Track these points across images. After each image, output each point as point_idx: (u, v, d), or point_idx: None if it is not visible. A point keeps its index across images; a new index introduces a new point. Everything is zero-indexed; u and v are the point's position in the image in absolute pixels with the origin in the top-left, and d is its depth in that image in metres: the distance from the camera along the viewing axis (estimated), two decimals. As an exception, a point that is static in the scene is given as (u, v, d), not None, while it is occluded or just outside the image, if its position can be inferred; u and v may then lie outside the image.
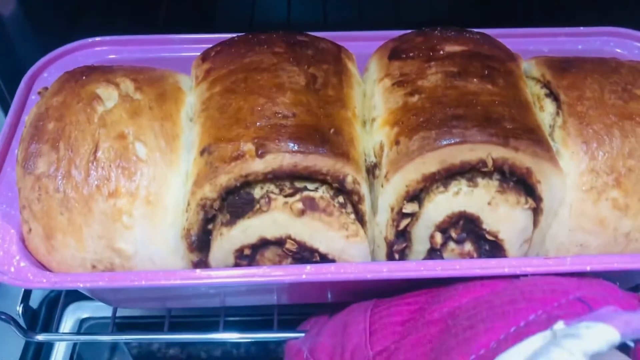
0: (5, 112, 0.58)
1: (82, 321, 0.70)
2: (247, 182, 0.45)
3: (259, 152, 0.44)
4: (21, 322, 0.53)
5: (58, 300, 0.67)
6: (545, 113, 0.51)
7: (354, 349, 0.46)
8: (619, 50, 0.61)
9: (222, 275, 0.45)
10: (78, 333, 0.68)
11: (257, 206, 0.45)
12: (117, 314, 0.57)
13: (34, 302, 0.66)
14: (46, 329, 0.65)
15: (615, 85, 0.50)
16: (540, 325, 0.37)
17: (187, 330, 0.55)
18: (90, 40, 0.61)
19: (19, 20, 0.58)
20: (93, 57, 0.60)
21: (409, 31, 0.55)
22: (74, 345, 0.68)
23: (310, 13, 0.74)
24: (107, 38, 0.61)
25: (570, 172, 0.48)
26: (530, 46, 0.62)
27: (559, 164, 0.47)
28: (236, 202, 0.45)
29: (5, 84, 0.61)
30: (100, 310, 0.70)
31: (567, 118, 0.49)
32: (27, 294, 0.58)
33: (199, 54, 0.56)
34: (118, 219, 0.46)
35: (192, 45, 0.60)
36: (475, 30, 0.55)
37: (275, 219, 0.45)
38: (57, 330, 0.65)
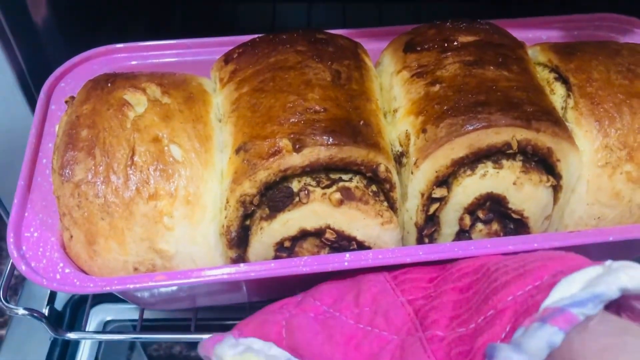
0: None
1: (106, 323, 0.70)
2: (285, 177, 0.47)
3: (296, 147, 0.46)
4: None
5: (81, 303, 0.68)
6: (557, 96, 0.54)
7: (376, 293, 0.46)
8: (611, 34, 0.64)
9: (267, 267, 0.46)
10: (107, 332, 0.68)
11: (297, 199, 0.47)
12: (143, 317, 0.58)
13: (58, 304, 0.66)
14: (71, 329, 0.66)
15: (619, 66, 0.54)
16: (590, 263, 0.39)
17: (213, 331, 0.56)
18: (104, 48, 0.61)
19: (49, 25, 0.58)
20: (108, 64, 0.61)
21: (420, 25, 0.58)
22: (99, 346, 0.68)
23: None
24: (121, 45, 0.62)
25: (586, 149, 0.50)
26: (529, 34, 0.65)
27: (576, 143, 0.50)
28: (276, 196, 0.47)
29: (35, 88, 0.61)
30: (123, 312, 0.71)
31: (578, 99, 0.52)
32: (53, 296, 0.59)
33: (215, 57, 0.57)
34: (159, 221, 0.47)
35: (207, 49, 0.61)
36: (484, 21, 0.57)
37: (314, 210, 0.47)
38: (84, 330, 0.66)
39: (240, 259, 0.50)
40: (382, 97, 0.55)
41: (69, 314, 0.68)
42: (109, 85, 0.52)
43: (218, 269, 0.46)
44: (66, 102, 0.53)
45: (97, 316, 0.71)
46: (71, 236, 0.48)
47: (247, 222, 0.49)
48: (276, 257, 0.49)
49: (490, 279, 0.42)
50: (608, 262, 0.38)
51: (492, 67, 0.51)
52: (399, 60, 0.56)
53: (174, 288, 0.51)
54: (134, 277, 0.46)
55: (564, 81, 0.54)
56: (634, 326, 0.35)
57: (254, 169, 0.47)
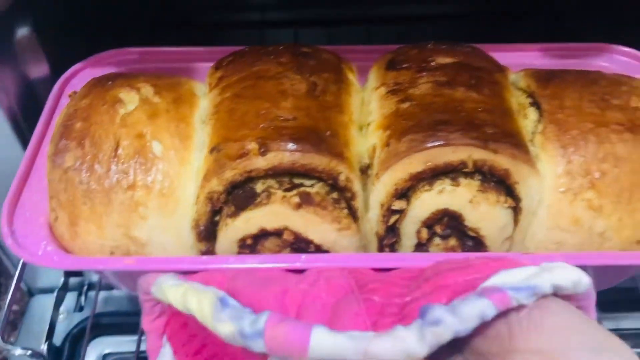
0: (20, 136, 0.63)
1: (105, 356, 0.73)
2: (251, 178, 0.50)
3: (262, 150, 0.49)
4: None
5: (80, 337, 0.70)
6: (529, 120, 0.55)
7: (324, 269, 0.48)
8: (605, 64, 0.65)
9: (225, 261, 0.50)
10: None
11: (259, 199, 0.50)
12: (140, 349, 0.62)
13: (57, 339, 0.70)
14: (70, 364, 0.69)
15: (594, 95, 0.54)
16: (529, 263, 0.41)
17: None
18: (114, 50, 0.67)
19: (31, 43, 0.63)
20: (118, 65, 0.66)
21: (405, 45, 0.60)
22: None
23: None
24: (132, 49, 0.67)
25: (548, 174, 0.51)
26: (525, 60, 0.66)
27: (537, 166, 0.51)
28: (240, 195, 0.50)
29: (17, 102, 0.64)
30: (122, 345, 0.73)
31: (547, 124, 0.53)
32: (51, 330, 0.63)
33: (212, 64, 0.61)
34: (135, 210, 0.52)
35: (206, 56, 0.65)
36: (467, 44, 0.59)
37: (274, 211, 0.50)
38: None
39: (209, 252, 0.54)
40: (362, 111, 0.58)
41: (68, 349, 0.71)
42: (109, 83, 0.57)
43: (176, 260, 0.50)
44: (69, 96, 0.58)
45: (96, 349, 0.73)
46: (57, 217, 0.53)
47: (216, 218, 0.52)
48: (239, 253, 0.52)
49: (434, 269, 0.44)
50: (544, 263, 0.40)
51: (462, 88, 0.53)
52: (380, 77, 0.58)
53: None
54: (105, 260, 0.51)
55: (538, 106, 0.55)
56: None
57: (223, 168, 0.50)
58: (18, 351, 0.55)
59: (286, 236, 0.50)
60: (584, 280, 0.39)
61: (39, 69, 0.64)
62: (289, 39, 0.96)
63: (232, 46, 0.61)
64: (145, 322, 0.51)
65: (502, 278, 0.39)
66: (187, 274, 0.48)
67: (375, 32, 0.97)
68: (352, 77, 0.59)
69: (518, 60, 0.65)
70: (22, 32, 0.62)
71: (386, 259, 0.50)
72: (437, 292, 0.40)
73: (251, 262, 0.50)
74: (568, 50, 0.66)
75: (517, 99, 0.57)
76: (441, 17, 0.99)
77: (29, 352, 0.55)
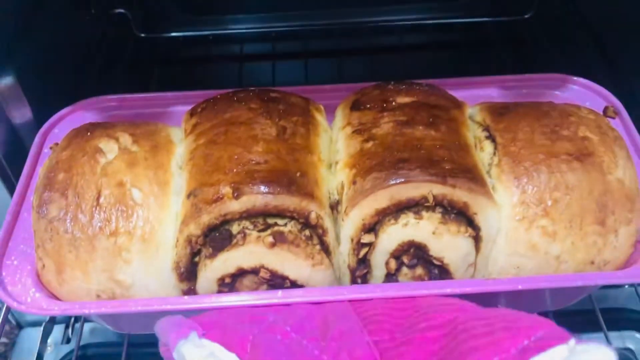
0: (5, 182, 0.65)
1: None
2: (226, 220, 0.53)
3: (235, 195, 0.53)
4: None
5: None
6: (485, 153, 0.59)
7: (344, 331, 0.48)
8: (557, 93, 0.69)
9: (207, 301, 0.53)
10: None
11: (235, 240, 0.53)
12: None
13: None
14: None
15: (545, 127, 0.58)
16: (556, 340, 0.42)
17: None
18: (95, 98, 0.70)
19: (14, 91, 0.66)
20: (97, 113, 0.69)
21: (368, 85, 0.64)
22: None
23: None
24: (109, 97, 0.70)
25: (505, 204, 0.55)
26: (481, 92, 0.70)
27: (494, 197, 0.55)
28: (217, 237, 0.53)
29: (2, 149, 0.65)
30: None
31: (501, 157, 0.57)
32: (40, 357, 0.64)
33: (189, 107, 0.65)
34: (118, 255, 0.54)
35: (183, 100, 0.69)
36: (425, 82, 0.63)
37: (250, 251, 0.53)
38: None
39: (191, 291, 0.56)
40: (330, 150, 0.61)
41: None
42: (88, 134, 0.60)
43: (154, 301, 0.53)
44: (51, 148, 0.61)
45: None
46: (44, 265, 0.55)
47: (196, 259, 0.55)
48: (219, 291, 0.55)
49: (457, 339, 0.45)
50: (572, 342, 0.41)
51: (421, 127, 0.57)
52: (345, 117, 0.62)
53: (137, 314, 0.58)
54: (92, 303, 0.53)
55: (493, 140, 0.59)
56: None
57: (199, 212, 0.53)
58: None
59: (262, 274, 0.54)
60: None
61: (22, 115, 0.67)
62: (267, 72, 0.99)
63: (208, 89, 0.64)
64: (163, 351, 0.51)
65: None
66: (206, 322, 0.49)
67: (347, 63, 1.01)
68: (320, 118, 0.63)
69: (476, 92, 0.69)
70: (6, 81, 0.64)
71: (359, 291, 0.53)
72: None
73: (231, 300, 0.52)
74: (524, 81, 0.71)
75: (474, 132, 0.61)
76: (409, 48, 1.04)
77: None
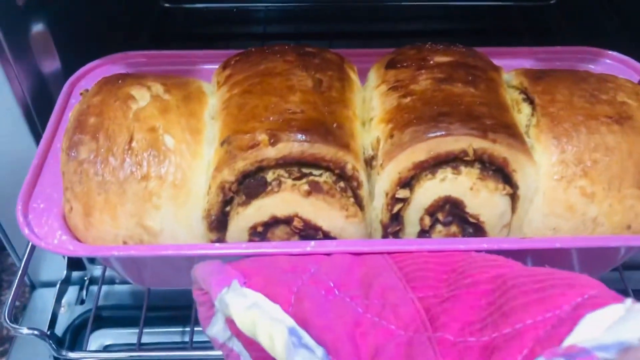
0: (33, 130, 0.65)
1: (106, 347, 0.74)
2: (261, 168, 0.52)
3: (272, 141, 0.52)
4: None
5: (81, 328, 0.71)
6: (522, 115, 0.58)
7: (386, 288, 0.47)
8: (591, 66, 0.69)
9: (236, 247, 0.52)
10: (107, 351, 0.72)
11: (270, 188, 0.52)
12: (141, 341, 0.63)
13: (58, 330, 0.72)
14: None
15: (583, 91, 0.58)
16: (611, 298, 0.41)
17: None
18: (123, 53, 0.69)
19: (45, 40, 0.66)
20: (125, 68, 0.69)
21: (404, 46, 0.63)
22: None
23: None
24: (138, 52, 0.70)
25: (543, 163, 0.54)
26: (514, 62, 0.69)
27: (533, 156, 0.54)
28: (251, 184, 0.52)
29: (30, 97, 0.64)
30: (123, 337, 0.74)
31: (540, 118, 0.56)
32: (53, 321, 0.64)
33: (217, 65, 0.64)
34: (148, 200, 0.53)
35: (213, 59, 0.68)
36: (463, 45, 0.62)
37: (285, 199, 0.52)
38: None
39: (220, 241, 0.55)
40: (363, 108, 0.61)
41: (69, 340, 0.72)
42: (120, 82, 0.59)
43: (184, 247, 0.52)
44: (81, 94, 0.60)
45: (97, 341, 0.74)
46: (71, 208, 0.54)
47: (227, 209, 0.54)
48: (250, 241, 0.54)
49: (507, 295, 0.43)
50: (628, 302, 0.40)
51: (460, 84, 0.56)
52: (380, 75, 0.61)
53: (164, 262, 0.57)
54: (119, 247, 0.52)
55: (531, 102, 0.58)
56: None
57: (234, 159, 0.52)
58: (25, 330, 0.56)
59: (296, 223, 0.52)
60: None
61: (51, 66, 0.67)
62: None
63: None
64: (197, 295, 0.50)
65: (587, 331, 0.39)
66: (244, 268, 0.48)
67: (372, 46, 1.00)
68: (354, 76, 0.62)
69: (509, 64, 0.68)
70: (37, 28, 0.64)
71: (391, 244, 0.52)
72: (517, 340, 0.40)
73: (262, 248, 0.51)
74: (556, 53, 0.70)
75: (510, 96, 0.60)
76: (433, 34, 1.03)
77: (36, 332, 0.56)
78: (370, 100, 0.60)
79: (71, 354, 0.60)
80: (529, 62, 0.70)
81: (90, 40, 0.77)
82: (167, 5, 0.97)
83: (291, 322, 0.43)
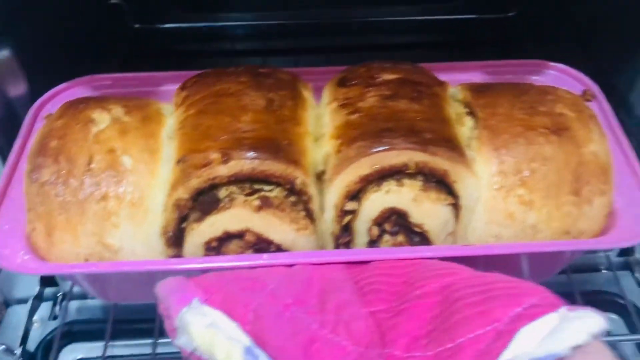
0: (1, 157, 0.66)
1: None
2: (214, 185, 0.55)
3: (224, 159, 0.54)
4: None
5: (53, 344, 0.71)
6: (466, 127, 0.61)
7: (342, 303, 0.49)
8: (536, 78, 0.72)
9: (191, 261, 0.54)
10: None
11: (222, 204, 0.55)
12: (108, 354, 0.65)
13: (31, 345, 0.73)
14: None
15: (523, 104, 0.61)
16: (547, 307, 0.43)
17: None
18: (89, 77, 0.72)
19: (12, 65, 0.68)
20: (91, 91, 0.71)
21: (355, 65, 0.66)
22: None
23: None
24: (103, 75, 0.72)
25: (484, 174, 0.57)
26: (463, 76, 0.72)
27: (472, 167, 0.57)
28: (205, 201, 0.55)
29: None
30: (94, 350, 0.74)
31: (481, 130, 0.59)
32: (25, 337, 0.65)
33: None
34: (107, 219, 0.56)
35: (175, 80, 0.70)
36: (410, 62, 0.65)
37: (236, 215, 0.54)
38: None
39: (178, 257, 0.58)
40: (317, 125, 0.63)
41: (41, 355, 0.73)
42: (82, 105, 0.62)
43: (140, 262, 0.54)
44: (45, 117, 0.63)
45: (69, 355, 0.75)
46: (34, 228, 0.57)
47: (183, 225, 0.57)
48: (206, 255, 0.57)
49: (451, 308, 0.45)
50: (563, 310, 0.42)
51: (404, 101, 0.59)
52: (332, 93, 0.64)
53: (124, 277, 0.59)
54: (79, 264, 0.55)
55: (473, 115, 0.61)
56: None
57: (188, 177, 0.55)
58: None
59: (248, 237, 0.55)
60: (603, 327, 0.41)
61: (18, 90, 0.69)
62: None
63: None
64: (163, 309, 0.50)
65: (521, 344, 0.41)
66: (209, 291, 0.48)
67: (338, 60, 1.03)
68: (308, 95, 0.65)
69: (459, 78, 0.71)
70: (3, 54, 0.66)
71: (340, 255, 0.55)
72: (460, 354, 0.42)
73: (217, 262, 0.54)
74: (504, 66, 0.73)
75: (455, 110, 0.63)
76: (399, 47, 1.07)
77: (3, 346, 0.58)
78: (323, 117, 0.63)
79: None
80: (479, 75, 0.73)
81: (60, 63, 0.80)
82: (137, 26, 1.00)
83: (248, 341, 0.44)
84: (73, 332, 0.75)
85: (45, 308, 0.78)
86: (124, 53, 0.99)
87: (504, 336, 0.42)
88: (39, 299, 0.76)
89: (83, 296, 0.78)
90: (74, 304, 0.77)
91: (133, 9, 1.01)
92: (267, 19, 1.03)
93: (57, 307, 0.77)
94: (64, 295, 0.76)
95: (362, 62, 0.66)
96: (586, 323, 0.41)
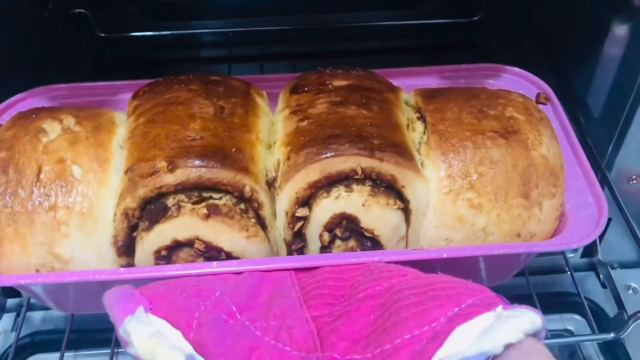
0: None
1: None
2: (162, 193, 0.55)
3: (170, 168, 0.54)
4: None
5: (16, 355, 0.71)
6: (416, 133, 0.61)
7: (285, 308, 0.49)
8: (492, 82, 0.73)
9: (141, 271, 0.54)
10: None
11: (170, 212, 0.55)
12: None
13: None
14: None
15: (473, 108, 0.61)
16: (483, 307, 0.43)
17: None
18: (46, 87, 0.72)
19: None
20: (47, 101, 0.71)
21: (308, 71, 0.66)
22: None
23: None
24: (60, 85, 0.72)
25: (433, 178, 0.57)
26: (420, 82, 0.73)
27: (421, 171, 0.57)
28: (152, 210, 0.55)
29: None
30: None
31: (430, 135, 0.59)
32: None
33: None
34: (57, 229, 0.56)
35: (131, 88, 0.70)
36: (362, 69, 0.66)
37: (184, 223, 0.54)
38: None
39: (129, 266, 0.58)
40: (271, 132, 0.63)
41: None
42: (33, 116, 0.62)
43: (90, 272, 0.54)
44: (-4, 128, 0.62)
45: None
46: (-18, 240, 0.56)
47: (134, 234, 0.57)
48: (156, 264, 0.56)
49: (391, 309, 0.46)
50: (499, 309, 0.43)
51: (353, 107, 0.59)
52: (285, 100, 0.64)
53: (77, 289, 0.59)
54: (27, 275, 0.55)
55: (424, 120, 0.61)
56: None
57: (136, 186, 0.55)
58: None
59: (197, 245, 0.55)
60: (539, 325, 0.42)
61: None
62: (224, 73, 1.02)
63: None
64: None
65: (455, 343, 0.41)
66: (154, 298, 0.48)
67: (302, 66, 1.04)
68: (261, 102, 0.65)
69: (416, 83, 0.72)
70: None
71: (288, 261, 0.55)
72: (395, 355, 0.43)
73: (166, 271, 0.54)
74: (460, 71, 0.74)
75: (407, 115, 0.63)
76: (363, 52, 1.07)
77: None
78: (275, 124, 0.63)
79: None
80: (435, 80, 0.73)
81: (20, 76, 0.80)
82: (102, 34, 1.00)
83: (190, 349, 0.44)
84: (36, 343, 0.75)
85: (8, 319, 0.78)
86: (90, 62, 0.99)
87: (439, 336, 0.42)
88: (1, 310, 0.75)
89: (46, 307, 0.77)
90: (37, 315, 0.76)
91: (99, 17, 1.01)
92: (233, 26, 1.04)
93: (21, 318, 0.77)
94: (28, 306, 0.76)
95: (322, 66, 0.67)
96: (521, 321, 0.41)
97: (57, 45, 0.94)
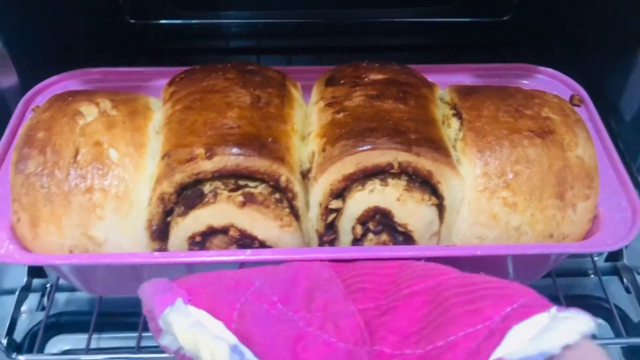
0: None
1: (64, 352, 0.74)
2: (199, 180, 0.55)
3: (208, 155, 0.54)
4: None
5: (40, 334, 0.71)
6: (451, 129, 0.61)
7: (328, 300, 0.48)
8: (525, 82, 0.72)
9: (174, 255, 0.54)
10: (55, 354, 0.73)
11: (206, 199, 0.55)
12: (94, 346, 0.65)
13: (18, 336, 0.72)
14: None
15: (509, 107, 0.61)
16: (537, 307, 0.43)
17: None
18: (80, 70, 0.72)
19: (2, 57, 0.69)
20: (81, 84, 0.71)
21: (344, 64, 0.66)
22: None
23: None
24: (94, 69, 0.72)
25: (469, 175, 0.57)
26: (454, 79, 0.72)
27: (457, 168, 0.57)
28: (189, 195, 0.55)
29: None
30: (81, 342, 0.73)
31: (466, 132, 0.59)
32: (12, 327, 0.66)
33: (168, 82, 0.67)
34: (92, 211, 0.56)
35: (165, 75, 0.71)
36: (398, 64, 0.66)
37: (220, 210, 0.55)
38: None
39: (162, 250, 0.58)
40: (304, 123, 0.64)
41: (28, 345, 0.73)
42: (70, 98, 0.62)
43: (124, 255, 0.55)
44: (33, 109, 0.63)
45: (57, 346, 0.75)
46: (19, 219, 0.57)
47: (169, 219, 0.57)
48: (190, 250, 0.57)
49: (441, 306, 0.45)
50: (553, 310, 0.43)
51: (390, 101, 0.59)
52: (320, 92, 0.64)
53: (109, 271, 0.60)
54: (63, 255, 0.55)
55: (459, 117, 0.61)
56: None
57: (173, 171, 0.55)
58: None
59: (232, 233, 0.55)
60: (592, 327, 0.41)
61: (8, 81, 0.69)
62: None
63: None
64: (147, 312, 0.50)
65: (513, 342, 0.41)
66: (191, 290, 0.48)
67: (328, 60, 1.04)
68: (296, 93, 0.65)
69: (449, 80, 0.71)
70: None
71: (323, 252, 0.55)
72: (450, 353, 0.42)
73: (201, 257, 0.54)
74: (494, 70, 0.73)
75: (442, 111, 0.63)
76: (389, 49, 1.07)
77: None
78: (310, 115, 0.63)
79: (20, 357, 0.63)
80: (469, 78, 0.73)
81: (53, 56, 0.80)
82: (132, 21, 1.00)
83: (233, 339, 0.44)
84: (60, 324, 0.75)
85: (33, 299, 0.78)
86: (118, 48, 1.00)
87: (496, 334, 0.42)
88: (27, 289, 0.76)
89: (71, 288, 0.78)
90: (62, 296, 0.77)
91: (129, 4, 1.01)
92: (261, 17, 1.04)
93: (45, 298, 0.78)
94: (52, 287, 0.77)
95: (350, 62, 0.67)
96: (576, 323, 0.41)
97: (87, 30, 0.94)
